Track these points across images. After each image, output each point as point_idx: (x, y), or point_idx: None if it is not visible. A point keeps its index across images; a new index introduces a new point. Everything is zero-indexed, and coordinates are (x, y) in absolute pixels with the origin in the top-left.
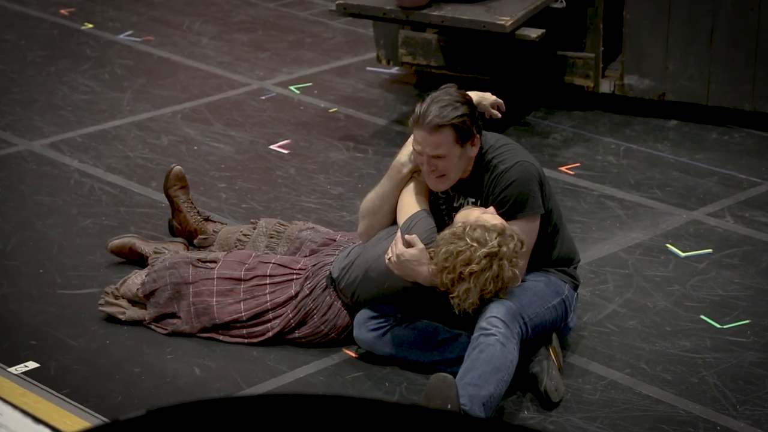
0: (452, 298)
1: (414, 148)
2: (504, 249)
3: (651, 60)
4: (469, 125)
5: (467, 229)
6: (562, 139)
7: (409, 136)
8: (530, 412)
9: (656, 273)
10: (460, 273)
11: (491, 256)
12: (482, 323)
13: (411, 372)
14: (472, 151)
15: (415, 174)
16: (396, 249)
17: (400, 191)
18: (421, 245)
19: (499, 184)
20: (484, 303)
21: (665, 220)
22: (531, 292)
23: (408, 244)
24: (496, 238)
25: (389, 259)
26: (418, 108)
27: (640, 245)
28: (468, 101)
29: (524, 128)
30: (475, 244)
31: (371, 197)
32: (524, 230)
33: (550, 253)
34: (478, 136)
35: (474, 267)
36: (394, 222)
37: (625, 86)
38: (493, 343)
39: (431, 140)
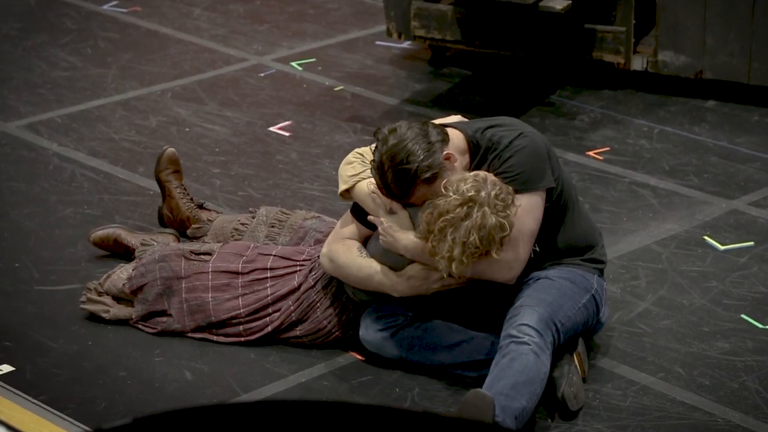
0: (438, 261)
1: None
2: (482, 194)
3: (687, 34)
4: (428, 167)
5: (445, 184)
6: (590, 121)
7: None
8: (555, 420)
9: (692, 268)
10: (440, 229)
11: (467, 202)
12: (512, 331)
13: (423, 376)
14: (454, 163)
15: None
16: (381, 215)
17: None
18: (404, 211)
19: (501, 159)
20: (479, 270)
21: (702, 210)
22: (559, 294)
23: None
24: (470, 182)
25: (383, 231)
26: (379, 180)
27: (675, 237)
28: (409, 139)
29: (549, 109)
30: (450, 194)
31: (356, 266)
32: (528, 207)
33: (567, 235)
34: (445, 155)
35: (450, 216)
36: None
37: (659, 63)
38: (526, 353)
39: (415, 200)
